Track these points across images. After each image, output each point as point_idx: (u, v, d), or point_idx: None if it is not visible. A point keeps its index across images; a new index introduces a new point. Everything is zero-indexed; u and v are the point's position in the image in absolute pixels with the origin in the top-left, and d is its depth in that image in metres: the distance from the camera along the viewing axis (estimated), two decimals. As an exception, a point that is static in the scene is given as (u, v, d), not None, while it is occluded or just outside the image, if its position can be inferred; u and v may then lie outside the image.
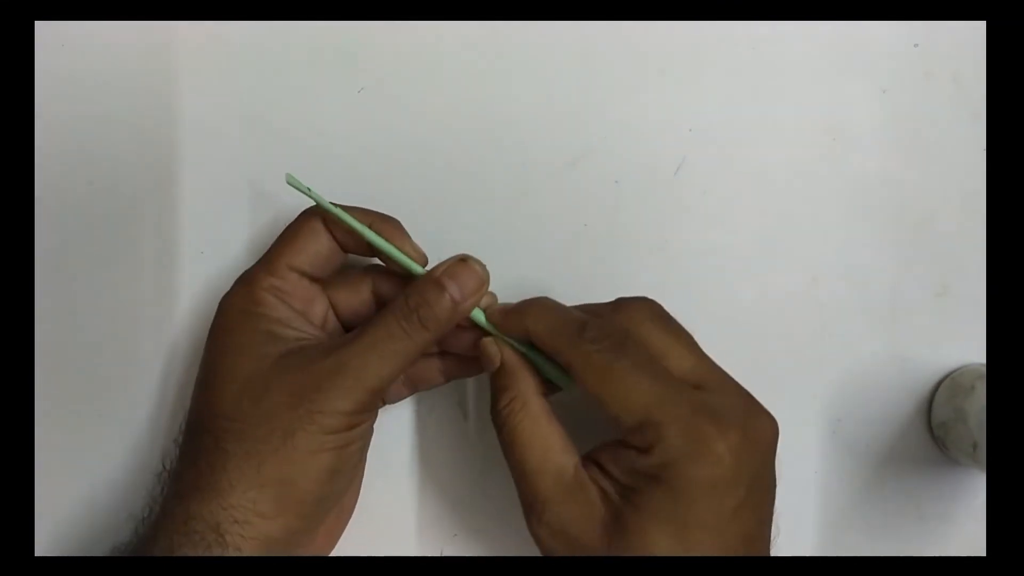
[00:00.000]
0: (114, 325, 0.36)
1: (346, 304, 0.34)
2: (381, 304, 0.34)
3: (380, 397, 0.32)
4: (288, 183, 0.33)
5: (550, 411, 0.32)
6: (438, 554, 0.37)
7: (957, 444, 0.39)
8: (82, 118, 0.36)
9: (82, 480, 0.36)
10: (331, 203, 0.32)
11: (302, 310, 0.33)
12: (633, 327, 0.31)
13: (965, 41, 0.40)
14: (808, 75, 0.39)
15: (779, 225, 0.39)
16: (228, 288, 0.32)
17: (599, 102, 0.39)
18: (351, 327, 0.34)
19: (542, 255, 0.38)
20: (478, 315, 0.33)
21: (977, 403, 0.38)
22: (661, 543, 0.28)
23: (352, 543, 0.36)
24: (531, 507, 0.30)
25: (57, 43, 0.36)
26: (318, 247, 0.33)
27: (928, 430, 0.40)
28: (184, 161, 0.37)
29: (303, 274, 0.33)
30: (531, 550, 0.35)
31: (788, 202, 0.39)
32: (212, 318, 0.32)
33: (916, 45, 0.40)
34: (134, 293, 0.37)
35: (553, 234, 0.38)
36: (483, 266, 0.32)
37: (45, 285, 0.36)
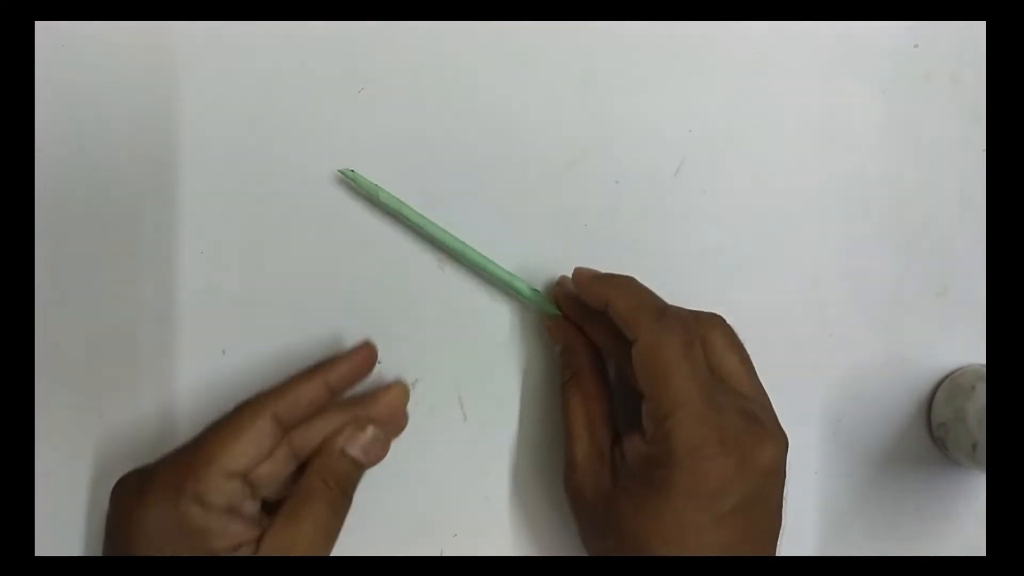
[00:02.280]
0: (114, 325, 0.36)
1: (268, 477, 0.32)
2: (299, 463, 0.33)
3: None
4: (349, 177, 0.35)
5: (601, 389, 0.35)
6: (438, 554, 0.37)
7: (957, 444, 0.39)
8: (82, 118, 0.36)
9: (82, 480, 0.36)
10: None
11: (229, 507, 0.30)
12: (705, 332, 0.33)
13: (965, 41, 0.40)
14: (808, 75, 0.40)
15: (779, 225, 0.39)
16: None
17: (599, 102, 0.39)
18: (275, 498, 0.33)
19: (542, 255, 0.38)
20: (547, 305, 0.37)
21: (977, 403, 0.38)
22: (640, 529, 0.31)
23: (353, 543, 0.36)
24: (567, 466, 0.35)
25: (57, 43, 0.36)
26: (261, 449, 0.31)
27: (928, 430, 0.40)
28: (184, 161, 0.37)
29: (236, 476, 0.30)
30: (531, 550, 0.35)
31: (788, 202, 0.39)
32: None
33: (916, 45, 0.40)
34: (134, 293, 0.37)
35: (553, 234, 0.38)
36: (378, 429, 0.33)
37: (45, 285, 0.36)
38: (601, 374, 0.36)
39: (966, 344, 0.40)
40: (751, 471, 0.31)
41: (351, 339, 0.37)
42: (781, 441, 0.32)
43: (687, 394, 0.30)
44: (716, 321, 0.34)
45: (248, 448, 0.30)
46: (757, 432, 0.31)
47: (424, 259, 0.37)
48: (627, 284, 0.34)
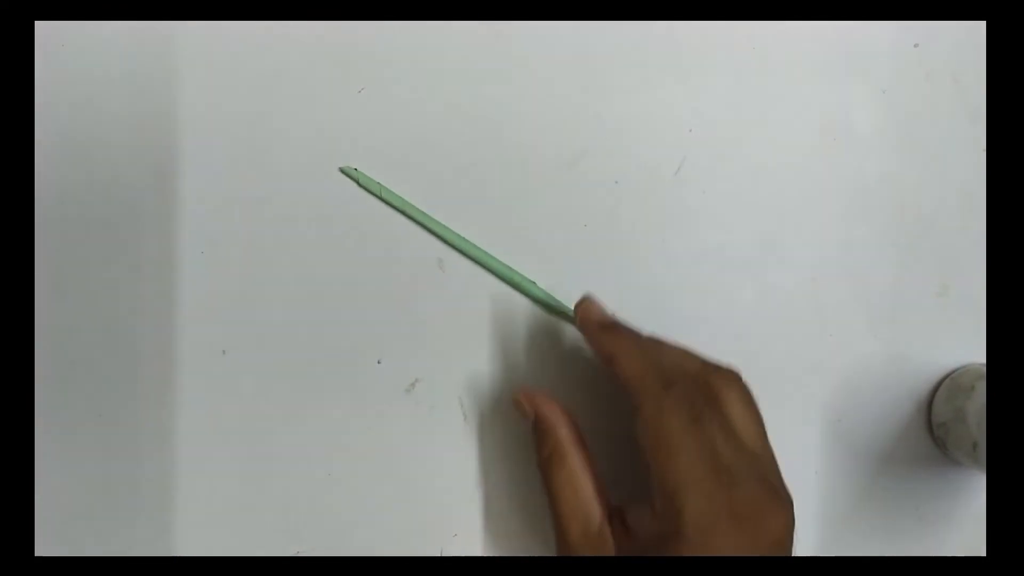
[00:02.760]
0: (114, 325, 0.36)
1: None
2: None
3: None
4: (352, 176, 0.35)
5: (586, 462, 0.33)
6: (438, 554, 0.37)
7: (957, 444, 0.39)
8: (82, 118, 0.36)
9: (82, 480, 0.36)
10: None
11: None
12: (719, 389, 0.31)
13: (965, 41, 0.40)
14: (808, 75, 0.39)
15: (779, 225, 0.39)
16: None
17: (599, 102, 0.39)
18: None
19: (542, 255, 0.38)
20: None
21: (977, 403, 0.38)
22: None
23: (353, 543, 0.36)
24: (560, 547, 0.33)
25: (57, 43, 0.36)
26: None
27: (928, 430, 0.40)
28: (184, 161, 0.37)
29: None
30: (531, 550, 0.35)
31: (788, 202, 0.39)
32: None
33: (916, 45, 0.40)
34: (134, 293, 0.37)
35: (553, 234, 0.38)
36: None
37: (45, 285, 0.36)
38: (582, 444, 0.34)
39: (966, 344, 0.40)
40: (763, 543, 0.30)
41: (351, 339, 0.37)
42: (790, 505, 0.31)
43: (694, 473, 0.29)
44: (732, 378, 0.32)
45: None
46: (769, 499, 0.30)
47: (424, 259, 0.37)
48: (633, 344, 0.33)
